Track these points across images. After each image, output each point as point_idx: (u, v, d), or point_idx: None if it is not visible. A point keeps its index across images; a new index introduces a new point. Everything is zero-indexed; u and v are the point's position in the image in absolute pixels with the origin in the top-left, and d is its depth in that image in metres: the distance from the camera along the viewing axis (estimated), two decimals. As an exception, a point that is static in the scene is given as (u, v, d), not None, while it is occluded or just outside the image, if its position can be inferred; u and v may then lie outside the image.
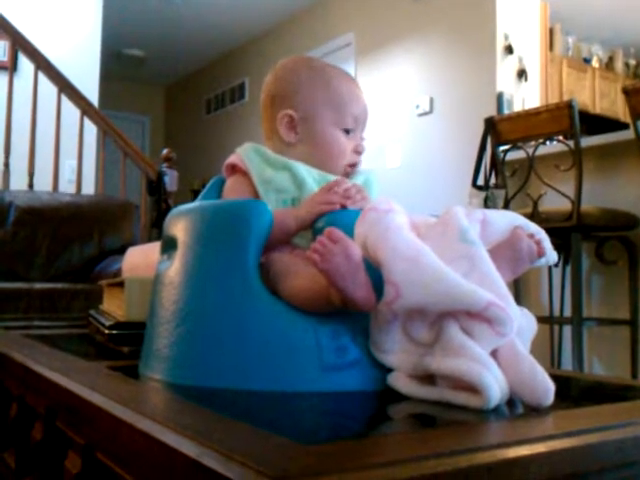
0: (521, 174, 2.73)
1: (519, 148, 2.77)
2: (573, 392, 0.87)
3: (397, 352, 0.72)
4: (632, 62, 6.86)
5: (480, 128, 2.93)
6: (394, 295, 0.68)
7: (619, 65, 6.72)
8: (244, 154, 0.94)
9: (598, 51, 6.55)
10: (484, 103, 4.11)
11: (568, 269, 2.72)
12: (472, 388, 0.63)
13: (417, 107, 4.65)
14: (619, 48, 6.72)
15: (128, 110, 7.81)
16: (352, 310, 0.72)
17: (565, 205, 2.52)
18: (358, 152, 0.97)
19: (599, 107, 6.14)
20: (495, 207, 2.73)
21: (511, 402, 0.68)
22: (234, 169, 0.96)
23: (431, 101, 4.57)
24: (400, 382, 0.71)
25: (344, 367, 0.74)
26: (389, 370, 0.74)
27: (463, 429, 0.61)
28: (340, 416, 0.69)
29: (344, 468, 0.46)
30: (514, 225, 0.78)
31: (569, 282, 2.65)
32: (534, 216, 2.50)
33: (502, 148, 2.85)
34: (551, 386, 0.66)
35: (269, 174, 0.91)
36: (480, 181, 2.92)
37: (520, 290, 2.84)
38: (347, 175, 0.95)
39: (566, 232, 2.51)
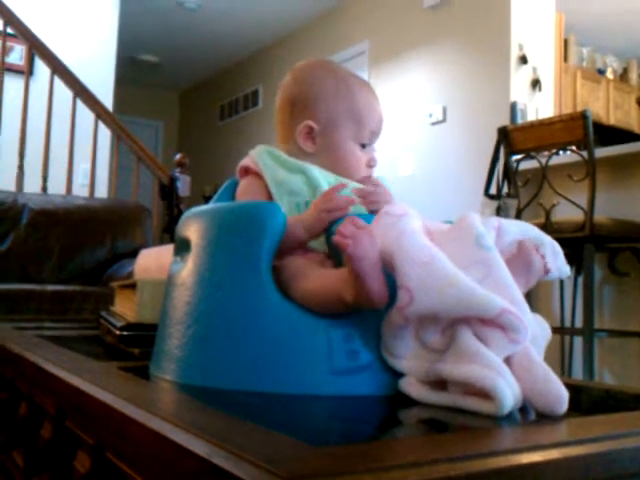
0: (534, 184, 2.72)
1: (532, 158, 2.76)
2: (586, 400, 0.86)
3: (409, 357, 0.71)
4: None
5: (493, 137, 2.93)
6: (407, 300, 0.67)
7: (634, 76, 6.69)
8: (258, 156, 0.94)
9: (612, 62, 6.53)
10: (497, 112, 4.11)
11: (580, 280, 2.70)
12: (485, 394, 0.63)
13: (430, 116, 4.65)
14: (634, 59, 6.70)
15: (142, 115, 7.85)
16: (364, 306, 0.71)
17: (578, 215, 2.51)
18: (371, 166, 0.97)
19: (613, 118, 6.12)
20: (507, 217, 2.72)
21: (524, 409, 0.68)
22: (247, 171, 0.96)
23: (444, 110, 4.56)
24: (412, 387, 0.70)
25: (355, 371, 0.73)
26: (400, 375, 0.73)
27: (476, 434, 0.60)
28: (351, 419, 0.68)
29: (356, 470, 0.46)
30: (523, 237, 0.78)
31: (581, 293, 2.64)
32: (546, 226, 2.49)
33: (515, 157, 2.84)
34: (565, 394, 0.66)
35: (283, 176, 0.91)
36: (492, 190, 2.91)
37: (532, 300, 2.83)
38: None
39: (578, 243, 2.50)
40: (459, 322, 0.66)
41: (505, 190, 2.85)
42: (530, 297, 2.84)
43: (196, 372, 0.78)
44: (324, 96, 0.95)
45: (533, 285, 0.79)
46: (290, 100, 0.98)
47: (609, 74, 6.41)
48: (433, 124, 4.64)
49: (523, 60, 4.16)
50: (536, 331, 0.72)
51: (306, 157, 0.94)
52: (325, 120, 0.95)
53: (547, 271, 0.78)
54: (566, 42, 5.65)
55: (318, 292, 0.75)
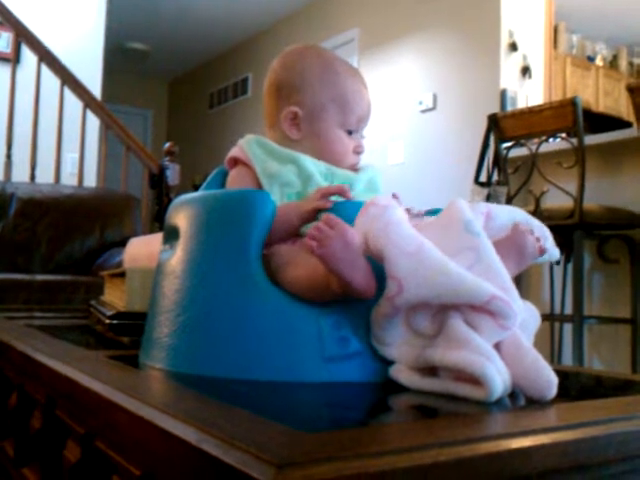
0: (524, 171, 2.72)
1: (522, 145, 2.76)
2: (575, 386, 0.87)
3: (399, 345, 0.71)
4: (636, 61, 6.85)
5: (483, 125, 2.93)
6: (397, 290, 0.67)
7: (623, 64, 6.70)
8: (247, 147, 0.93)
9: (602, 49, 6.54)
10: (487, 100, 4.10)
11: (570, 267, 2.72)
12: (475, 380, 0.63)
13: (420, 103, 4.64)
14: (623, 47, 6.71)
15: (131, 104, 7.80)
16: (352, 297, 0.71)
17: (567, 203, 2.52)
18: (358, 152, 0.96)
19: (603, 105, 6.13)
20: (497, 204, 2.71)
21: (514, 395, 0.68)
22: (237, 162, 0.95)
23: (434, 97, 4.56)
24: (402, 374, 0.70)
25: (346, 358, 0.73)
26: (391, 362, 0.73)
27: (465, 420, 0.60)
28: (341, 406, 0.68)
29: (346, 455, 0.46)
30: (516, 221, 0.78)
31: (570, 280, 2.65)
32: (536, 213, 2.50)
33: (505, 145, 2.84)
34: (554, 379, 0.66)
35: (274, 168, 0.89)
36: (482, 178, 2.92)
37: (522, 287, 2.84)
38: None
39: (568, 230, 2.51)
40: (449, 309, 0.66)
41: (495, 177, 2.86)
42: (520, 284, 2.86)
43: (186, 360, 0.78)
44: (310, 82, 0.94)
45: (526, 267, 0.79)
46: (276, 85, 0.97)
47: (599, 61, 6.42)
48: (423, 112, 4.63)
49: (513, 47, 4.16)
50: (526, 317, 0.72)
51: (293, 143, 0.93)
52: (310, 106, 0.94)
53: (542, 252, 0.78)
54: (556, 29, 5.64)
55: (307, 280, 0.75)
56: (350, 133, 0.95)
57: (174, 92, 8.37)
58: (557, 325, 2.92)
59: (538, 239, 0.78)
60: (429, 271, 0.65)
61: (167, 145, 3.57)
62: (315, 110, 0.94)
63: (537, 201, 2.57)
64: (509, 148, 2.83)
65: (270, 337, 0.74)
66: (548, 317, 2.76)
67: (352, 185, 0.90)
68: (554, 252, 0.82)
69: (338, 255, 0.68)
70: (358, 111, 0.96)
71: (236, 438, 0.47)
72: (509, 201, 2.73)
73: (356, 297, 0.72)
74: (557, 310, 2.91)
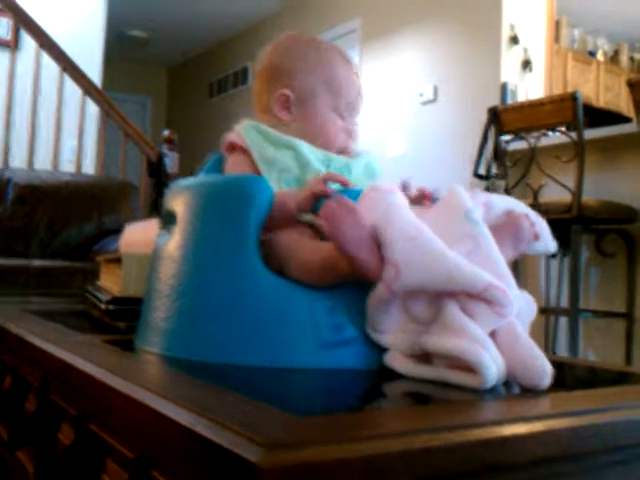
0: (523, 165, 2.72)
1: (522, 138, 2.76)
2: (569, 376, 0.87)
3: (394, 331, 0.71)
4: (637, 56, 6.84)
5: (483, 118, 2.92)
6: (394, 275, 0.67)
7: (624, 59, 6.69)
8: (244, 132, 0.93)
9: (603, 45, 6.53)
10: (488, 93, 4.10)
11: (566, 261, 2.72)
12: (469, 367, 0.63)
13: (421, 95, 4.63)
14: (625, 42, 6.69)
15: (130, 91, 7.78)
16: (360, 278, 0.71)
17: (566, 197, 2.51)
18: (350, 136, 0.96)
19: (603, 100, 6.12)
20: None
21: (508, 383, 0.68)
22: (234, 147, 0.95)
23: (435, 90, 4.55)
24: (396, 361, 0.71)
25: (340, 344, 0.73)
26: (385, 349, 0.73)
27: (459, 406, 0.60)
28: (335, 391, 0.69)
29: (338, 439, 0.46)
30: (512, 207, 0.78)
31: (567, 273, 2.65)
32: (534, 207, 2.49)
33: (505, 138, 2.84)
34: (548, 369, 0.66)
35: (271, 153, 0.90)
36: (482, 170, 2.91)
37: (519, 279, 2.84)
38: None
39: (566, 224, 2.51)
40: (445, 296, 0.66)
41: (494, 170, 2.86)
42: (518, 276, 2.86)
43: (182, 345, 0.78)
44: (301, 65, 0.95)
45: (523, 253, 0.80)
46: (268, 69, 0.98)
47: (600, 56, 6.40)
48: (424, 104, 4.62)
49: (514, 40, 4.15)
50: (522, 306, 0.72)
51: (285, 128, 0.94)
52: (301, 89, 0.94)
53: (537, 237, 0.78)
54: (558, 24, 5.63)
55: (315, 263, 0.75)
56: (342, 117, 0.95)
57: (174, 80, 8.34)
58: (552, 318, 2.93)
59: (533, 224, 0.78)
60: (427, 257, 0.65)
61: (166, 133, 3.56)
62: (306, 93, 0.94)
63: (535, 195, 2.57)
64: (509, 141, 2.83)
65: (266, 323, 0.74)
66: (544, 310, 2.76)
67: (349, 170, 0.90)
68: (551, 244, 0.82)
69: (349, 234, 0.68)
70: (349, 97, 0.95)
71: (228, 421, 0.47)
72: (507, 194, 2.73)
73: (364, 279, 0.71)
74: (553, 303, 2.92)
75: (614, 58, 6.65)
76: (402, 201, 0.72)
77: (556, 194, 2.61)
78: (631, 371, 0.91)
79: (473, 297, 0.65)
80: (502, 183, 2.73)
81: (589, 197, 2.55)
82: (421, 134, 4.61)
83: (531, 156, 2.63)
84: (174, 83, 8.33)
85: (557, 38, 5.64)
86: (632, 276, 2.72)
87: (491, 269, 0.65)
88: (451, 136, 4.33)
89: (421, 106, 4.64)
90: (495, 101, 3.88)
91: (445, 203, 0.74)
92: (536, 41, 4.33)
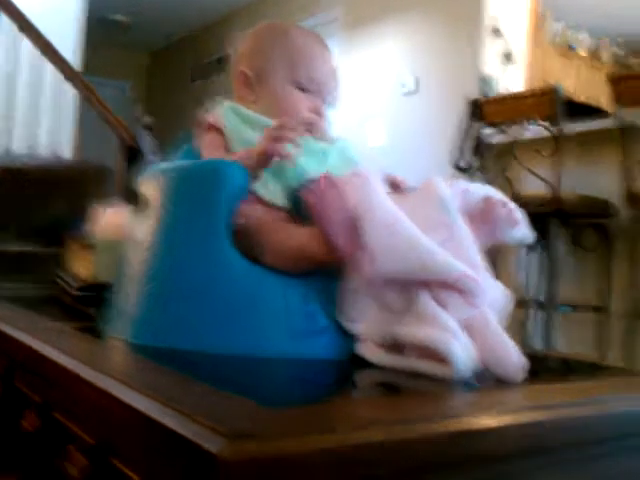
0: (502, 157, 2.73)
1: (502, 131, 2.76)
2: (543, 368, 0.86)
3: (366, 320, 0.70)
4: (618, 52, 6.87)
5: (464, 109, 2.92)
6: (368, 262, 0.66)
7: (605, 54, 6.72)
8: (222, 113, 0.92)
9: (585, 39, 6.55)
10: (469, 84, 4.09)
11: (544, 255, 2.73)
12: (440, 357, 0.62)
13: (402, 86, 4.62)
14: (606, 37, 6.72)
15: (110, 76, 7.68)
16: (336, 265, 0.70)
17: (544, 191, 2.52)
18: (317, 113, 0.94)
19: (584, 95, 6.15)
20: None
21: (481, 374, 0.67)
22: (211, 127, 0.93)
23: (416, 81, 4.54)
24: (368, 351, 0.69)
25: (313, 333, 0.72)
26: (357, 338, 0.72)
27: (431, 397, 0.60)
28: (306, 382, 0.67)
29: (307, 431, 0.45)
30: (490, 195, 0.78)
31: (544, 267, 2.66)
32: (513, 200, 2.49)
33: (485, 130, 2.84)
34: (521, 360, 0.66)
35: (248, 135, 0.88)
36: (461, 163, 2.91)
37: (496, 272, 2.84)
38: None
39: (544, 217, 2.51)
40: (418, 285, 0.65)
41: (474, 163, 2.86)
42: (495, 268, 2.86)
43: (151, 332, 0.76)
44: (262, 45, 0.96)
45: (500, 240, 0.79)
46: (236, 55, 0.98)
47: (581, 51, 6.43)
48: (405, 94, 4.61)
49: (496, 33, 4.15)
50: (496, 297, 0.72)
51: (251, 106, 0.93)
52: (259, 66, 0.94)
53: (514, 222, 0.78)
54: (540, 17, 5.63)
55: (289, 249, 0.74)
56: (304, 91, 0.93)
57: (156, 65, 8.26)
58: (530, 311, 2.94)
59: (510, 210, 0.78)
60: (401, 245, 0.64)
61: (144, 118, 3.52)
62: (264, 69, 0.94)
63: (514, 187, 2.57)
64: (489, 134, 2.83)
65: (237, 309, 0.72)
66: (522, 303, 2.77)
67: (325, 155, 0.89)
68: (528, 235, 0.81)
69: (333, 216, 0.67)
70: (313, 72, 0.93)
71: (193, 411, 0.46)
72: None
73: (339, 265, 0.70)
74: (531, 296, 2.93)
75: (595, 53, 6.68)
76: (381, 188, 0.71)
77: (535, 188, 2.62)
78: (606, 364, 0.91)
79: (446, 286, 0.64)
80: (482, 176, 2.73)
81: (568, 191, 2.56)
82: (402, 125, 4.60)
83: (511, 149, 2.64)
84: (156, 68, 8.25)
85: (539, 32, 5.65)
86: (609, 271, 2.73)
87: (465, 259, 0.65)
88: (432, 127, 4.33)
89: (402, 97, 4.62)
90: (476, 93, 3.87)
91: (422, 192, 0.73)
92: (518, 34, 4.33)
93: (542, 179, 2.50)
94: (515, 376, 0.65)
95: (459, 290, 0.64)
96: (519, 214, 0.81)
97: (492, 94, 3.83)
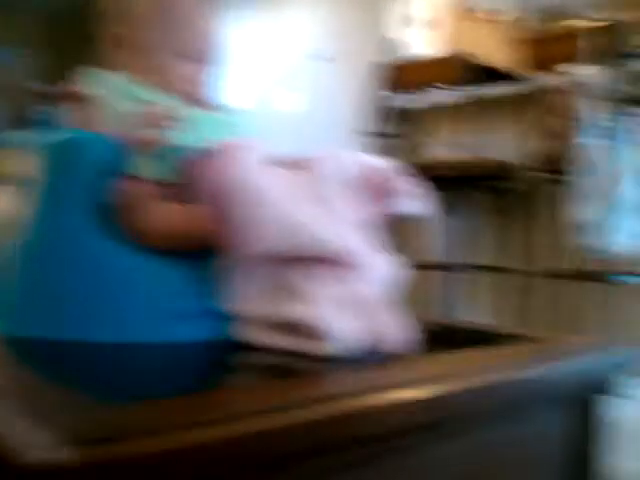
0: (410, 123, 2.73)
1: (409, 96, 2.76)
2: (438, 339, 0.84)
3: (244, 301, 0.66)
4: (523, 16, 7.01)
5: (371, 75, 2.90)
6: (241, 240, 0.62)
7: (510, 18, 6.84)
8: (93, 83, 0.85)
9: (489, 3, 6.64)
10: (376, 50, 4.08)
11: (452, 220, 2.76)
12: (320, 335, 0.59)
13: (311, 53, 4.57)
14: (510, 2, 6.84)
15: (5, 43, 7.29)
16: (214, 244, 0.66)
17: (454, 155, 2.54)
18: (195, 81, 0.88)
19: (489, 59, 6.25)
20: (384, 155, 2.70)
21: (367, 351, 0.64)
22: (78, 98, 0.86)
23: (324, 47, 4.49)
24: (248, 332, 0.66)
25: (189, 317, 0.68)
26: (237, 320, 0.68)
27: (315, 379, 0.57)
28: (180, 370, 0.63)
29: (174, 426, 0.40)
30: (377, 167, 0.74)
31: (457, 232, 2.70)
32: (421, 165, 2.51)
33: (393, 95, 2.83)
34: (409, 333, 0.63)
35: (122, 106, 0.82)
36: (370, 128, 2.90)
37: (398, 240, 2.85)
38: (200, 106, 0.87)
39: (453, 182, 2.53)
40: (295, 262, 0.62)
41: (383, 129, 2.85)
42: (400, 236, 2.87)
43: (16, 321, 0.70)
44: (136, 6, 0.87)
45: (393, 212, 0.76)
46: (108, 11, 0.90)
47: (487, 14, 6.52)
48: (313, 61, 4.56)
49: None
50: (383, 270, 0.69)
51: (126, 75, 0.86)
52: (133, 29, 0.86)
53: (409, 194, 0.75)
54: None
55: (167, 228, 0.69)
56: (183, 58, 0.87)
57: (53, 31, 7.89)
58: (443, 276, 2.98)
59: (404, 182, 0.75)
60: (277, 223, 0.60)
61: (38, 86, 3.34)
62: (138, 33, 0.86)
63: (422, 153, 2.58)
64: (396, 99, 2.82)
65: (106, 293, 0.67)
66: (433, 267, 2.80)
67: (207, 126, 0.83)
68: (424, 205, 0.78)
69: (207, 191, 0.62)
70: (189, 36, 0.87)
71: (31, 414, 0.41)
72: (395, 153, 2.73)
73: (216, 243, 0.66)
74: (443, 261, 2.97)
75: (500, 17, 6.79)
76: (257, 161, 0.67)
77: (443, 153, 2.64)
78: (500, 331, 0.90)
79: (323, 262, 0.61)
80: (391, 141, 2.73)
81: (476, 155, 2.58)
82: (311, 91, 4.56)
83: (419, 114, 2.64)
84: (53, 33, 7.88)
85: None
86: (501, 232, 2.78)
87: (343, 233, 0.61)
88: (341, 94, 4.30)
89: (310, 63, 4.57)
90: (383, 58, 3.86)
91: (309, 165, 0.70)
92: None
93: (451, 144, 2.52)
94: (401, 350, 0.63)
95: (337, 265, 0.61)
96: (414, 186, 0.78)
97: (399, 59, 3.83)
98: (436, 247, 2.96)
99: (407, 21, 4.19)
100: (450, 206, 2.64)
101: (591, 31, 2.63)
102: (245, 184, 0.62)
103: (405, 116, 2.78)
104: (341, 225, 0.63)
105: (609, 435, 0.77)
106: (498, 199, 2.82)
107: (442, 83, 2.66)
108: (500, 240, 2.91)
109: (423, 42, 4.32)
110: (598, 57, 2.41)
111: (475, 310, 2.88)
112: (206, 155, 0.65)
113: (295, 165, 0.73)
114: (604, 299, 2.48)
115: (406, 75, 2.73)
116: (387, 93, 2.81)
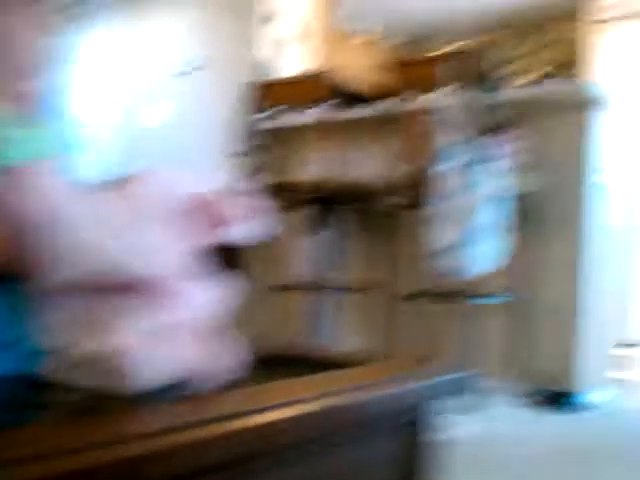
0: (279, 142, 2.73)
1: (277, 115, 2.76)
2: (272, 366, 0.83)
3: (49, 333, 0.61)
4: (394, 40, 7.24)
5: (239, 94, 2.89)
6: (45, 268, 0.58)
7: (383, 43, 7.04)
8: None
9: (364, 26, 6.81)
10: (245, 68, 4.08)
11: (326, 238, 2.78)
12: (124, 370, 0.56)
13: (179, 67, 4.50)
14: (384, 26, 7.04)
15: None
16: (17, 271, 0.61)
17: (314, 175, 2.56)
18: (21, 95, 0.82)
19: (358, 81, 6.40)
20: (247, 174, 2.70)
21: (179, 384, 0.61)
22: None
23: (193, 62, 4.44)
24: (54, 366, 0.61)
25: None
26: (43, 353, 0.63)
27: (115, 418, 0.53)
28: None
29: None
30: (207, 192, 0.72)
31: (325, 250, 2.72)
32: (283, 186, 2.52)
33: (260, 115, 2.83)
34: (228, 364, 0.62)
35: None
36: (235, 147, 2.88)
37: (272, 258, 2.85)
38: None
39: (313, 202, 2.56)
40: (105, 292, 0.59)
41: (248, 148, 2.84)
42: (267, 255, 2.86)
43: None
44: None
45: (228, 237, 0.74)
46: None
47: (357, 38, 6.68)
48: (181, 76, 4.49)
49: (268, 19, 4.17)
50: (207, 299, 0.66)
51: None
52: None
53: (241, 218, 0.73)
54: (321, 2, 5.76)
55: None
56: (11, 78, 0.82)
57: None
58: (307, 296, 2.99)
59: (230, 207, 0.72)
60: (72, 250, 0.56)
61: None
62: None
63: (287, 172, 2.59)
64: (263, 119, 2.83)
65: None
66: (300, 287, 2.81)
67: (8, 144, 0.78)
68: (256, 228, 0.76)
69: (8, 216, 0.57)
70: (14, 50, 0.82)
71: None
72: (258, 172, 2.72)
73: (19, 271, 0.61)
74: (308, 281, 2.98)
75: (374, 41, 6.97)
76: (63, 183, 0.62)
77: (307, 173, 2.66)
78: (333, 356, 0.89)
79: (133, 292, 0.58)
80: (254, 160, 2.72)
81: (334, 176, 2.62)
82: (179, 107, 4.49)
83: (284, 134, 2.65)
84: None
85: (319, 17, 5.77)
86: (368, 251, 2.84)
87: (156, 259, 0.59)
88: (208, 111, 4.26)
89: (178, 78, 4.50)
90: (252, 78, 3.87)
91: (124, 187, 0.66)
92: (294, 19, 4.39)
93: (313, 165, 2.54)
94: (215, 382, 0.61)
95: (147, 294, 0.58)
96: (251, 209, 0.76)
97: (268, 78, 3.85)
98: (304, 266, 2.98)
99: (277, 41, 4.23)
100: (321, 224, 2.67)
101: (451, 56, 2.74)
102: (39, 209, 0.58)
103: (273, 135, 2.79)
104: (155, 250, 0.60)
105: (440, 457, 0.78)
106: (365, 220, 2.87)
107: (309, 103, 2.68)
108: (367, 260, 2.96)
109: (293, 62, 4.37)
110: (456, 83, 2.51)
111: (341, 330, 2.91)
112: (7, 177, 0.60)
113: (116, 186, 0.70)
114: (462, 318, 2.58)
115: (274, 94, 2.74)
116: (255, 112, 2.81)
